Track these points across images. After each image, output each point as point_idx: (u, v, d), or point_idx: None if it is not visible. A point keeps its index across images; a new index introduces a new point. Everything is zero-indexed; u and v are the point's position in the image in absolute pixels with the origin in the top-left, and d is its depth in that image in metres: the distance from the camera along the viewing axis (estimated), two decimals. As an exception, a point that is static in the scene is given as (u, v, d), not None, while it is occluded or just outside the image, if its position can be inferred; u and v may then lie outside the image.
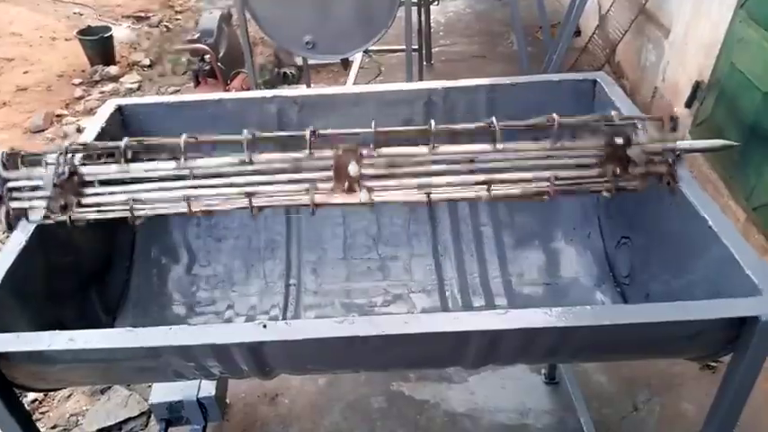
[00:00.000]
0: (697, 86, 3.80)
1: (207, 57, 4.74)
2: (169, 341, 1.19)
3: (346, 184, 1.46)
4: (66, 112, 5.75)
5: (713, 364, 2.75)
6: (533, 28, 6.20)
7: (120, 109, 1.90)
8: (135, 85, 6.19)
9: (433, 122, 1.47)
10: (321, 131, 1.47)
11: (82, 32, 6.52)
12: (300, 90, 2.14)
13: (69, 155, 1.47)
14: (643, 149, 1.51)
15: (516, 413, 2.71)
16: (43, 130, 5.43)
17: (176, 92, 5.87)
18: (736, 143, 1.67)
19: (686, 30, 4.04)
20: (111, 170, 1.49)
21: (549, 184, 1.48)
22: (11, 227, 1.50)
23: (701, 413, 1.42)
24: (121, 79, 6.30)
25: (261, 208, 1.49)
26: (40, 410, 2.82)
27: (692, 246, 1.52)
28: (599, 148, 1.50)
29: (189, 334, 1.21)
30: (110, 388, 2.85)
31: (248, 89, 4.34)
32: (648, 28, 4.74)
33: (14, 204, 1.48)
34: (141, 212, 1.48)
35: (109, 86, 6.17)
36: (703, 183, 3.54)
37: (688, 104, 3.89)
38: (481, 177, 1.49)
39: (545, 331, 1.26)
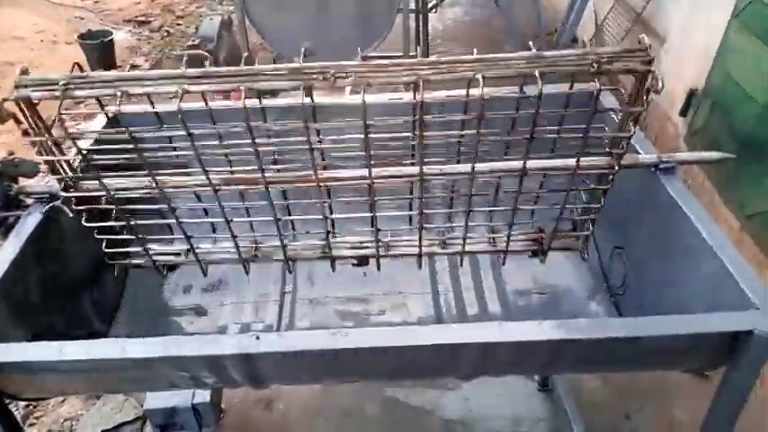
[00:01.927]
0: (692, 95, 3.81)
1: (207, 63, 4.74)
2: (160, 353, 1.19)
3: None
4: (66, 116, 5.74)
5: (706, 372, 2.75)
6: (530, 36, 6.22)
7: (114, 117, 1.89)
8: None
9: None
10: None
11: (83, 36, 6.53)
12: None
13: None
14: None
15: (510, 421, 2.72)
16: (42, 134, 5.43)
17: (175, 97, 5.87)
18: (732, 155, 1.67)
19: (681, 38, 4.06)
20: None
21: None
22: (7, 232, 1.51)
23: (693, 422, 1.42)
24: (121, 83, 6.30)
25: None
26: (35, 415, 2.82)
27: (686, 258, 1.53)
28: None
29: (181, 346, 1.21)
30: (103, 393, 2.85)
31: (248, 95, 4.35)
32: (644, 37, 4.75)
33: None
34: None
35: (108, 90, 6.17)
36: (698, 191, 3.55)
37: (683, 113, 3.90)
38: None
39: (539, 344, 1.26)
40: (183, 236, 1.54)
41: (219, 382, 1.37)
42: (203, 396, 2.37)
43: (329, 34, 3.84)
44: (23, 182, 1.61)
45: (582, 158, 1.50)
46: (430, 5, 4.90)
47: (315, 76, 1.29)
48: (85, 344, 1.21)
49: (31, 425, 2.76)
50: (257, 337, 1.19)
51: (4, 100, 1.31)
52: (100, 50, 6.48)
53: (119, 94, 1.26)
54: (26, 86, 1.31)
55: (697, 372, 2.52)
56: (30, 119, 1.37)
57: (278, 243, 1.59)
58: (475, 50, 1.30)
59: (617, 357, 1.42)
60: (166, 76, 1.31)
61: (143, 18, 8.12)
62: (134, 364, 1.23)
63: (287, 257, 1.63)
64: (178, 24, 7.98)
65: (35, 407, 2.84)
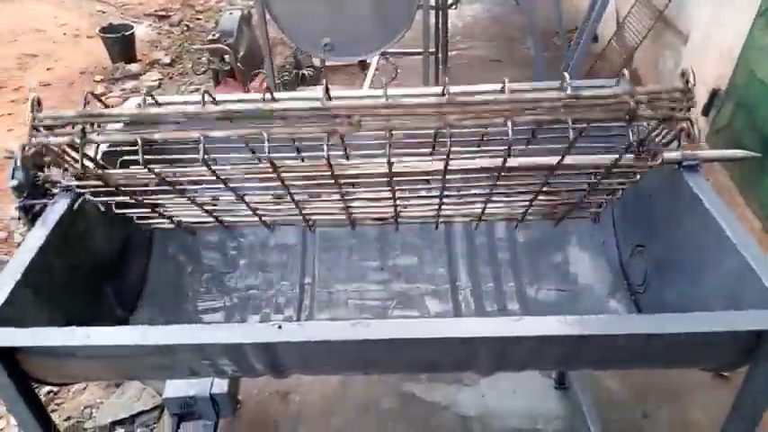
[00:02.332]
0: (714, 94, 3.77)
1: (227, 57, 4.78)
2: (184, 339, 1.21)
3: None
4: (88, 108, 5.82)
5: (726, 373, 2.73)
6: (551, 33, 6.18)
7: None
8: (155, 83, 6.26)
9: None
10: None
11: (104, 30, 6.61)
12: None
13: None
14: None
15: (527, 418, 2.71)
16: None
17: (196, 90, 5.92)
18: (756, 154, 1.66)
19: (704, 37, 4.01)
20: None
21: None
22: (34, 219, 1.53)
23: (712, 422, 1.42)
24: (142, 77, 6.38)
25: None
26: (56, 402, 2.86)
27: (708, 255, 1.52)
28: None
29: (203, 333, 1.23)
30: (124, 382, 2.88)
31: (267, 89, 4.37)
32: (666, 35, 4.71)
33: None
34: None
35: (130, 84, 6.25)
36: (719, 191, 3.51)
37: (705, 112, 3.86)
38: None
39: (558, 339, 1.26)
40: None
41: (240, 371, 1.38)
42: (221, 386, 2.39)
43: (348, 30, 3.84)
44: (49, 170, 1.63)
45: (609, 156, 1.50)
46: (450, 2, 4.88)
47: (339, 120, 1.25)
48: (111, 330, 1.22)
49: (53, 411, 2.80)
50: (279, 327, 1.20)
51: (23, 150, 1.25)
52: (121, 44, 6.55)
53: (139, 140, 1.22)
54: (40, 129, 1.25)
55: (717, 372, 2.50)
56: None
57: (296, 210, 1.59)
58: (506, 82, 1.23)
59: (636, 354, 1.41)
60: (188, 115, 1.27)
61: (163, 12, 8.19)
62: (157, 351, 1.24)
63: (306, 219, 1.63)
64: (198, 19, 8.04)
65: (56, 393, 2.89)
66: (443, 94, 1.23)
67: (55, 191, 1.62)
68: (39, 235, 1.47)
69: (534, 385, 2.83)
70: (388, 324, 1.24)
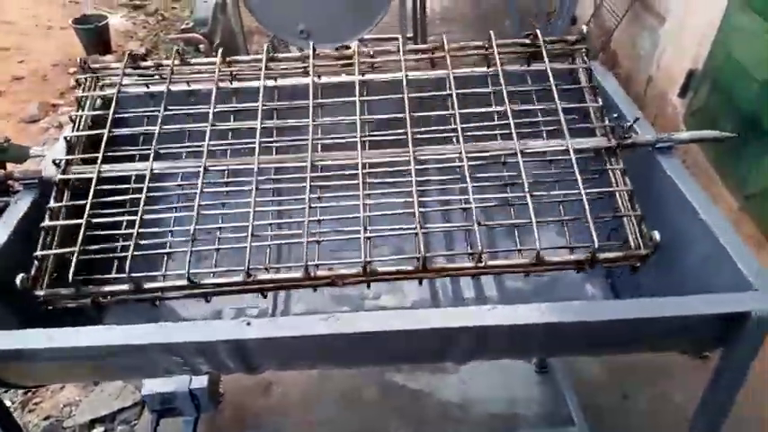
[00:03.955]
0: (691, 75, 3.77)
1: (201, 46, 4.70)
2: (150, 339, 1.18)
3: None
4: (61, 101, 5.71)
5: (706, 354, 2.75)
6: (531, 16, 6.14)
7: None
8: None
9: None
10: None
11: (77, 21, 6.46)
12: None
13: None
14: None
15: (507, 403, 2.72)
16: (38, 120, 5.41)
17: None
18: (729, 134, 1.65)
19: (681, 18, 4.01)
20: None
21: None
22: None
23: (691, 402, 1.42)
24: (117, 69, 6.26)
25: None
26: (34, 401, 2.82)
27: (682, 238, 1.51)
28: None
29: (171, 332, 1.20)
30: (101, 380, 2.85)
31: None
32: (644, 16, 4.69)
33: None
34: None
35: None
36: (697, 171, 3.53)
37: (682, 93, 3.86)
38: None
39: (533, 327, 1.25)
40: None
41: (213, 368, 1.36)
42: (201, 381, 2.37)
43: (324, 16, 3.79)
44: (11, 167, 1.59)
45: (578, 138, 1.51)
46: (427, -15, 4.83)
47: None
48: (74, 331, 1.19)
49: (30, 411, 2.76)
50: (248, 323, 1.18)
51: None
52: (95, 35, 6.41)
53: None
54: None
55: (695, 353, 2.52)
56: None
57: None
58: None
59: (611, 340, 1.41)
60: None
61: (138, 2, 8.03)
62: (125, 351, 1.21)
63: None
64: (174, 8, 7.91)
65: (34, 393, 2.84)
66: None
67: (18, 188, 1.58)
68: (0, 235, 1.43)
69: (515, 371, 2.84)
70: (359, 317, 1.22)
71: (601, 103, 1.62)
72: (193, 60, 1.72)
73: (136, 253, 1.36)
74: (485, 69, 1.76)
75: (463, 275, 1.63)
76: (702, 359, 2.75)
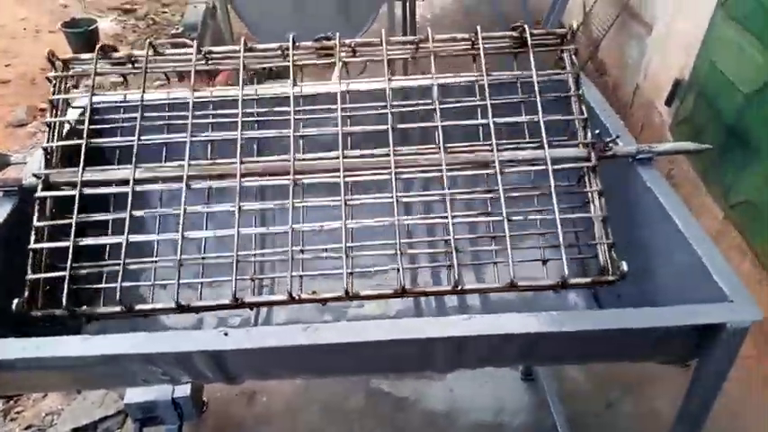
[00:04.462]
0: (677, 84, 3.80)
1: (190, 51, 4.70)
2: (127, 349, 1.18)
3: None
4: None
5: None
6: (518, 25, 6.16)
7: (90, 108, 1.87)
8: (119, 79, 6.11)
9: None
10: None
11: (66, 25, 6.43)
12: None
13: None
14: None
15: (492, 411, 2.73)
16: (26, 124, 5.37)
17: (161, 86, 5.81)
18: (706, 146, 1.66)
19: (668, 27, 4.04)
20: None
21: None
22: None
23: (674, 410, 1.43)
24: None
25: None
26: (15, 410, 2.79)
27: (661, 249, 1.53)
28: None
29: (148, 342, 1.20)
30: (83, 388, 2.83)
31: (232, 84, 4.32)
32: (631, 25, 4.73)
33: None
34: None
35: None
36: (682, 180, 3.55)
37: (668, 102, 3.89)
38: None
39: (513, 338, 1.25)
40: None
41: (192, 378, 1.36)
42: (183, 390, 2.36)
43: (313, 22, 3.80)
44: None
45: (557, 149, 1.52)
46: (416, -7, 4.86)
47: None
48: (51, 340, 1.18)
49: (12, 420, 2.74)
50: (226, 334, 1.18)
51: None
52: (84, 39, 6.37)
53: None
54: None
55: (671, 365, 2.53)
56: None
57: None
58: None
59: (590, 350, 1.42)
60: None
61: (128, 6, 8.00)
62: (101, 361, 1.21)
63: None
64: (164, 12, 7.88)
65: (16, 401, 2.82)
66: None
67: (-4, 194, 1.57)
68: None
69: (501, 378, 2.85)
70: (337, 328, 1.22)
71: (585, 116, 1.61)
72: (168, 51, 1.72)
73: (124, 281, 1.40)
74: (470, 75, 1.74)
75: (443, 294, 1.71)
76: (685, 367, 2.77)
